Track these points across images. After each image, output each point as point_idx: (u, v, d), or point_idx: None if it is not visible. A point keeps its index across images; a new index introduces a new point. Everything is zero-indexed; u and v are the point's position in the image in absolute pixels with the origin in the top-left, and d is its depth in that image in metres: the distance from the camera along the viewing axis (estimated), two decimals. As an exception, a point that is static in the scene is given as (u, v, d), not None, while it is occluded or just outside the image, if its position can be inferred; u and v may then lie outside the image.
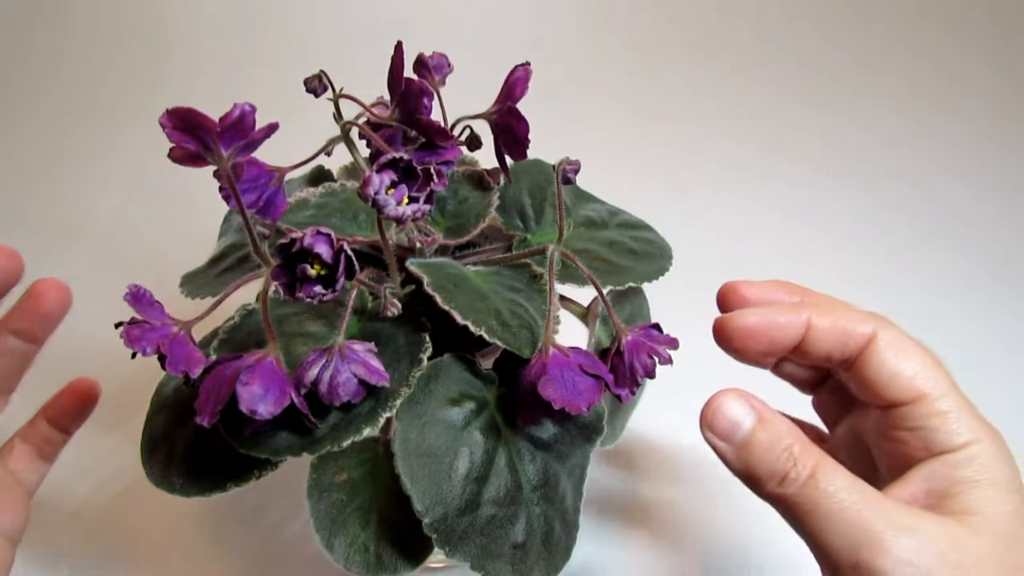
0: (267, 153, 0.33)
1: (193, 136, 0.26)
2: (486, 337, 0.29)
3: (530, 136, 0.34)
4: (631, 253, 0.38)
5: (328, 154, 0.35)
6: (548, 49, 1.02)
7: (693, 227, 0.71)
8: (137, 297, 0.27)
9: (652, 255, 0.38)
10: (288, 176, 0.38)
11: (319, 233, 0.26)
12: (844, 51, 1.07)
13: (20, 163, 0.81)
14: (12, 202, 0.75)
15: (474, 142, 0.38)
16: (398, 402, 0.29)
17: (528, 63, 0.35)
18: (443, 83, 0.39)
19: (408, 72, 0.36)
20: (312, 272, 0.26)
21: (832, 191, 0.80)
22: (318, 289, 0.26)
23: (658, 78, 1.00)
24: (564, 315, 0.39)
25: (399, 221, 0.27)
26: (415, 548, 0.30)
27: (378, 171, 0.27)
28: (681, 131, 0.90)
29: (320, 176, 0.40)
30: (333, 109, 0.35)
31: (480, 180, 0.37)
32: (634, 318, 0.38)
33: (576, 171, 0.34)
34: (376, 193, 0.27)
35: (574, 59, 1.02)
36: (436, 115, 0.38)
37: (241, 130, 0.27)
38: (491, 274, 0.34)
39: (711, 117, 0.93)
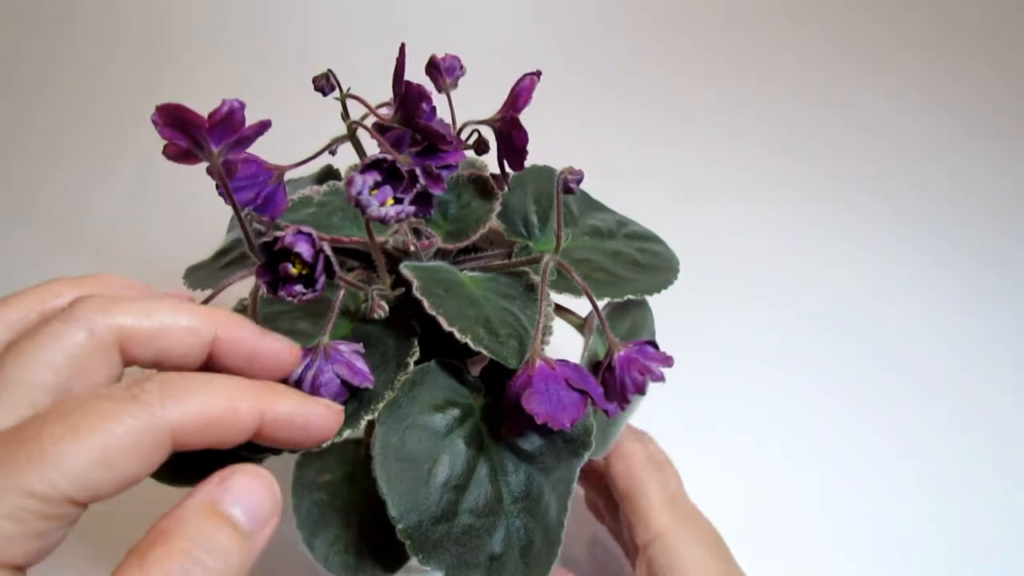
0: (279, 153, 0.33)
1: (183, 132, 0.26)
2: (471, 345, 0.29)
3: (528, 147, 0.34)
4: (635, 265, 0.37)
5: (332, 153, 0.35)
6: (565, 52, 1.01)
7: (706, 238, 0.70)
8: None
9: (657, 268, 0.37)
10: (298, 174, 0.38)
11: (300, 232, 0.26)
12: (852, 52, 1.05)
13: (20, 163, 0.81)
14: (13, 202, 0.75)
15: (481, 146, 0.37)
16: (380, 405, 0.29)
17: (538, 72, 0.35)
18: (455, 85, 0.39)
19: (420, 74, 0.36)
20: (294, 271, 0.26)
21: (837, 193, 0.80)
22: (298, 288, 0.26)
23: (674, 83, 0.99)
24: (563, 326, 0.38)
25: (382, 222, 0.27)
26: (395, 552, 0.30)
27: (362, 171, 0.27)
28: (692, 137, 0.88)
29: (327, 175, 0.40)
30: (342, 109, 0.36)
31: (484, 185, 0.37)
32: (635, 332, 0.37)
33: (578, 181, 0.33)
34: (359, 193, 0.27)
35: (589, 62, 1.01)
36: (446, 117, 0.38)
37: (230, 126, 0.27)
38: (487, 280, 0.34)
39: (719, 122, 0.91)
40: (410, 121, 0.33)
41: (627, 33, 1.07)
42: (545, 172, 0.39)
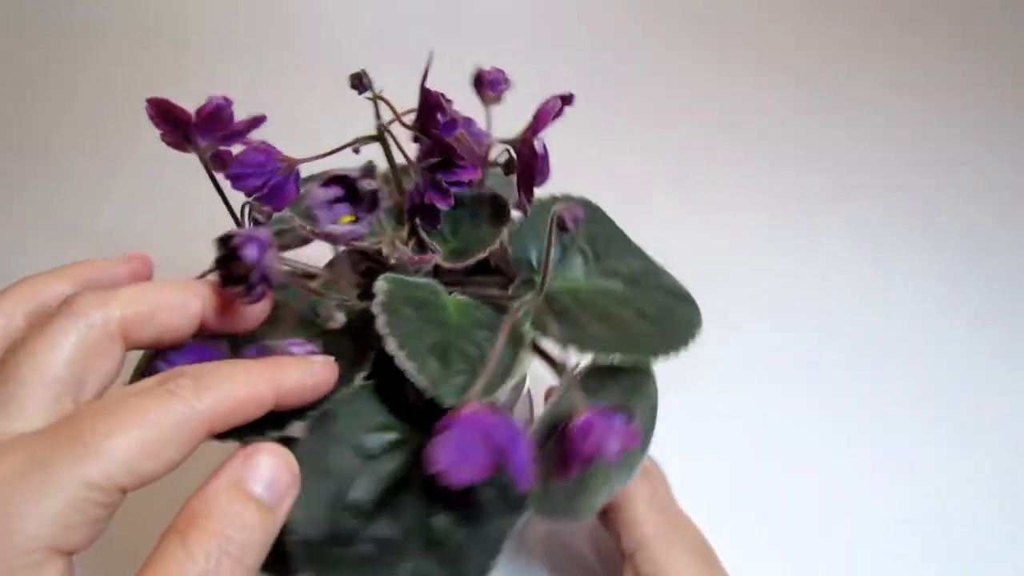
0: (315, 148, 0.33)
1: (172, 126, 0.28)
2: (407, 373, 0.28)
3: (539, 174, 0.32)
4: (644, 320, 0.33)
5: (356, 151, 0.35)
6: (605, 75, 0.95)
7: (713, 249, 0.70)
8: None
9: (668, 329, 0.33)
10: (331, 167, 0.39)
11: (252, 237, 0.27)
12: (863, 63, 0.98)
13: (21, 162, 0.79)
14: (13, 202, 0.74)
15: (510, 166, 0.36)
16: (315, 412, 0.29)
17: (570, 96, 0.32)
18: (499, 99, 0.37)
19: (457, 87, 0.35)
20: (241, 271, 0.27)
21: (845, 204, 0.77)
22: (238, 290, 0.27)
23: (681, 94, 0.92)
24: (543, 373, 0.36)
25: (330, 239, 0.27)
26: (292, 565, 0.30)
27: (324, 184, 0.27)
28: (698, 147, 0.83)
29: (367, 171, 0.40)
30: (375, 109, 0.36)
31: (501, 208, 0.35)
32: (625, 399, 0.33)
33: (576, 220, 0.30)
34: (311, 206, 0.27)
35: (630, 85, 0.94)
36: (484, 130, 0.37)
37: (218, 122, 0.28)
38: (472, 308, 0.32)
39: (727, 131, 0.85)
40: (425, 130, 0.33)
41: (654, 54, 1.00)
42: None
